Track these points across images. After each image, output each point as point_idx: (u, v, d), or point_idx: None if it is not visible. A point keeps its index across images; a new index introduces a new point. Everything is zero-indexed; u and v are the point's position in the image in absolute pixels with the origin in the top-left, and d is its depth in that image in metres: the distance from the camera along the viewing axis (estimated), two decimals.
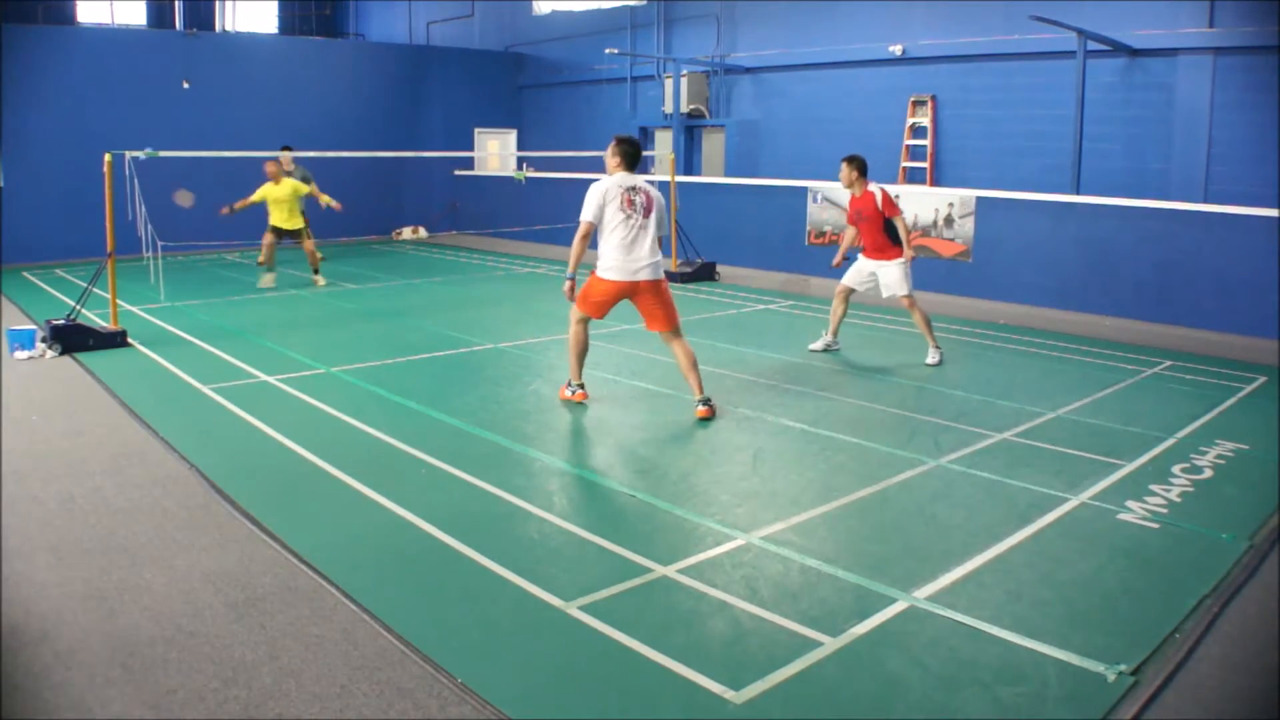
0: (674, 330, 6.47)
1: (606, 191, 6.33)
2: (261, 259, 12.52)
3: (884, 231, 8.08)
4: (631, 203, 6.34)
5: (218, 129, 16.31)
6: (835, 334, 8.49)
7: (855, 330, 9.65)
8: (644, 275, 6.35)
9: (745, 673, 3.22)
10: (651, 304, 6.42)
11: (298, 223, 12.20)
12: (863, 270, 8.31)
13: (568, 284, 6.54)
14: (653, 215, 6.39)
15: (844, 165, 8.14)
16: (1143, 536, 4.45)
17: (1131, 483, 5.14)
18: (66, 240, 14.75)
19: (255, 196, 12.07)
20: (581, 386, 6.76)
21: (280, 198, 12.03)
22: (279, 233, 12.17)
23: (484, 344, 8.70)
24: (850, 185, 8.14)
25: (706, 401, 6.41)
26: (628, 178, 6.41)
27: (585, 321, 6.62)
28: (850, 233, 8.54)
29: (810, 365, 7.92)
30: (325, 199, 12.60)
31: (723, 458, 5.59)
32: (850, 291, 8.38)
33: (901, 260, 8.08)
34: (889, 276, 8.14)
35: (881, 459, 5.53)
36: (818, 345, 8.49)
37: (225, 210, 11.85)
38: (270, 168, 12.15)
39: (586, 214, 6.34)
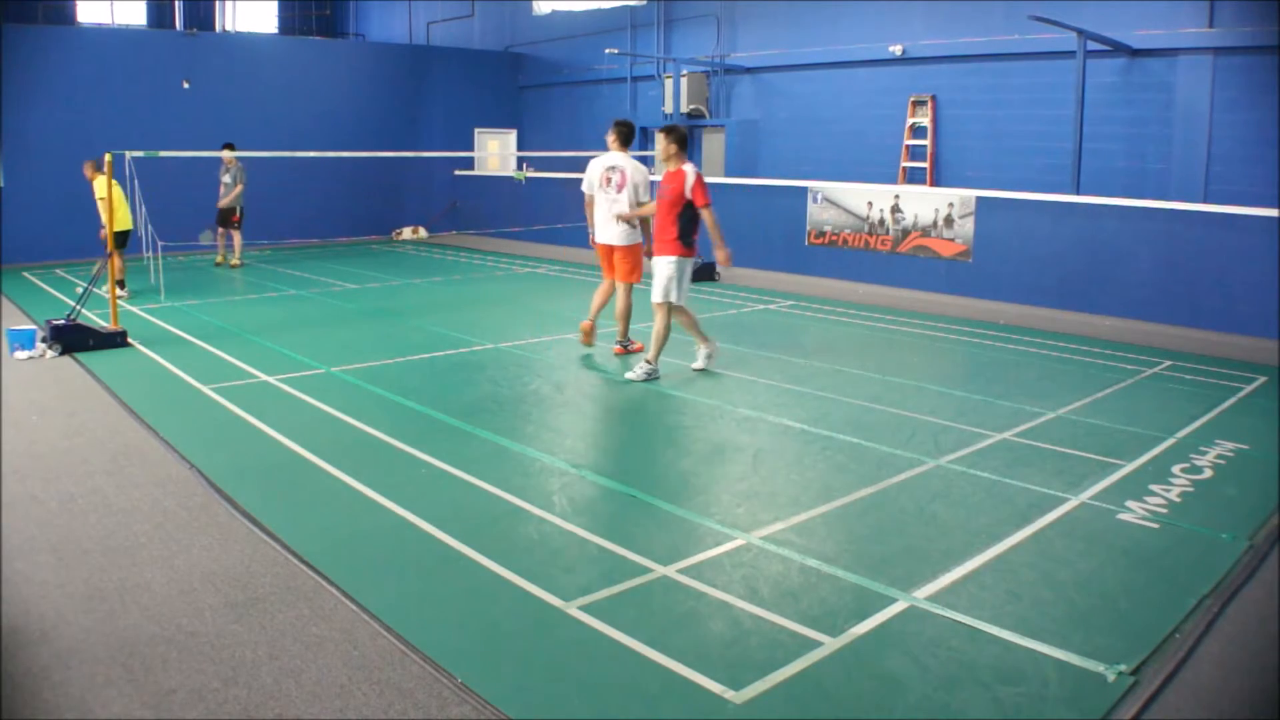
0: (626, 285, 7.99)
1: (592, 172, 7.97)
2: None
3: (675, 220, 7.07)
4: (608, 180, 7.84)
5: (218, 129, 16.28)
6: (656, 357, 7.32)
7: (858, 331, 9.66)
8: (612, 239, 7.90)
9: (745, 673, 3.22)
10: (618, 260, 7.97)
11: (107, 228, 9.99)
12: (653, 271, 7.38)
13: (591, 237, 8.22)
14: (625, 190, 7.75)
15: (661, 136, 7.12)
16: (1143, 536, 4.45)
17: (1131, 483, 5.14)
18: (66, 240, 14.74)
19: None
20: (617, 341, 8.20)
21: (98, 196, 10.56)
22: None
23: (484, 344, 8.70)
24: (667, 160, 7.13)
25: (620, 342, 8.15)
26: (611, 157, 7.87)
27: (610, 281, 8.16)
28: (650, 208, 7.53)
29: (810, 366, 7.92)
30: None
31: (723, 458, 5.59)
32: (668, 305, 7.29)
33: (677, 259, 7.09)
34: (656, 272, 7.23)
35: (881, 459, 5.53)
36: (636, 374, 7.20)
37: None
38: (85, 169, 10.87)
39: (584, 187, 8.10)
